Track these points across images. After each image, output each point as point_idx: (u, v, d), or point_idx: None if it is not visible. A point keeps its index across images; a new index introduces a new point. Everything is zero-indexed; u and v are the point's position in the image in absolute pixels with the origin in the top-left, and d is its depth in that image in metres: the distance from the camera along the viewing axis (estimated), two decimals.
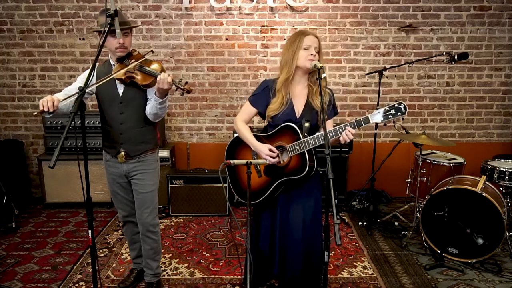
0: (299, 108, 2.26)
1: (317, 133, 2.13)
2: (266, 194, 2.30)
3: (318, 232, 2.32)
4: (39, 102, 2.13)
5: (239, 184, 2.45)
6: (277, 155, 2.21)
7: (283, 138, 2.23)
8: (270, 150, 2.21)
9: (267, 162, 2.21)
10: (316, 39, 2.19)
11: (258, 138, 2.30)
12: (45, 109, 2.11)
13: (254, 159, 2.31)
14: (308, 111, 2.24)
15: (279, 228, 2.33)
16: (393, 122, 2.43)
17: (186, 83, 2.30)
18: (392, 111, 2.01)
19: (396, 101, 2.04)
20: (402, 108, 1.99)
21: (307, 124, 2.20)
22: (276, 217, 2.35)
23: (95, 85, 2.34)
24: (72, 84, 2.51)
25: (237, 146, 2.42)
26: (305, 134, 2.17)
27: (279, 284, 2.49)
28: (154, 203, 2.64)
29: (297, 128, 2.17)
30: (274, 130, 2.26)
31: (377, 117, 2.04)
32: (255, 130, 2.39)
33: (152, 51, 2.49)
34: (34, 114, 2.17)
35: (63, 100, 2.18)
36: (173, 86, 2.26)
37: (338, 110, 2.44)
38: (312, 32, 2.22)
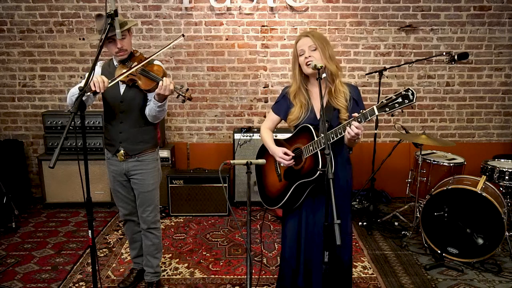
0: (319, 109, 2.16)
1: (331, 130, 2.04)
2: (285, 199, 2.22)
3: (347, 239, 2.22)
4: (90, 83, 2.03)
5: (264, 190, 2.40)
6: (291, 158, 2.18)
7: (301, 140, 2.18)
8: (285, 153, 2.18)
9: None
10: (308, 38, 2.12)
11: (279, 143, 2.29)
12: (98, 90, 2.07)
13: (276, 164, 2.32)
14: (328, 111, 2.14)
15: (304, 236, 2.22)
16: (402, 111, 2.32)
17: (187, 90, 2.29)
18: (399, 99, 1.84)
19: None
20: (410, 95, 1.80)
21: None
22: (301, 224, 2.24)
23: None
24: (77, 85, 2.47)
25: (266, 150, 2.38)
26: (321, 134, 2.05)
27: None
28: (155, 201, 2.67)
29: (312, 128, 2.11)
30: (293, 133, 2.25)
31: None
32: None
33: (183, 35, 2.38)
34: (88, 94, 2.05)
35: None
36: (174, 92, 2.26)
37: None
38: (302, 34, 2.18)
